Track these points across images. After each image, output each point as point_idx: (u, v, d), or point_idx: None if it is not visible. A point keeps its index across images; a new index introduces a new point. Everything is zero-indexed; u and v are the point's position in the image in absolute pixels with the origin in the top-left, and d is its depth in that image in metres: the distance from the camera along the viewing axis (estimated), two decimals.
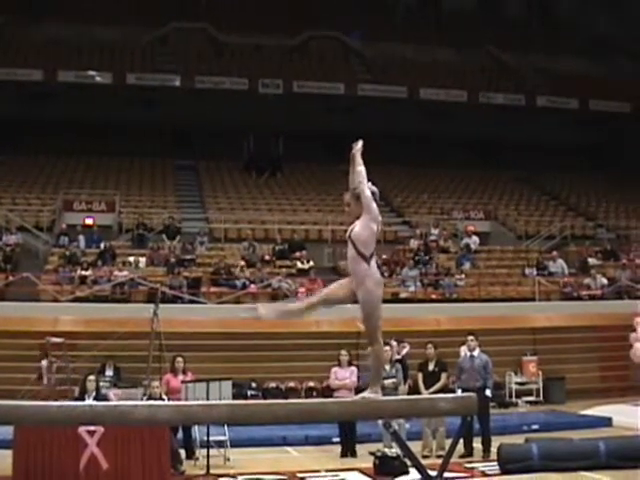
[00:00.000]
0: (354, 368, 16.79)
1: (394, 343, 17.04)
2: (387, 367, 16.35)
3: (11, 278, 25.17)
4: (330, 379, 16.81)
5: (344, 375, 16.51)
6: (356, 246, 7.69)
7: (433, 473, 8.23)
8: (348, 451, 16.11)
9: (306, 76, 38.42)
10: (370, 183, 7.87)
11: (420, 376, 16.55)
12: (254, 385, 21.98)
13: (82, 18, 38.66)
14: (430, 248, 28.69)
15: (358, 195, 7.76)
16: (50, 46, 37.57)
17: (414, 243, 29.39)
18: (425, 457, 15.04)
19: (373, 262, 7.72)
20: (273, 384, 22.37)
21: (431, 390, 15.92)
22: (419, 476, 8.22)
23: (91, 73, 37.11)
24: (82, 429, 13.11)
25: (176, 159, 37.11)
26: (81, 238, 27.79)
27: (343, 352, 16.94)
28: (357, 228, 7.73)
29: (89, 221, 29.58)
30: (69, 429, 12.98)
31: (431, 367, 16.55)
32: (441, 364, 16.65)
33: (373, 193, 7.82)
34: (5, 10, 37.99)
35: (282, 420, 8.02)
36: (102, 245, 27.04)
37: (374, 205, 7.72)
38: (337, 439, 16.46)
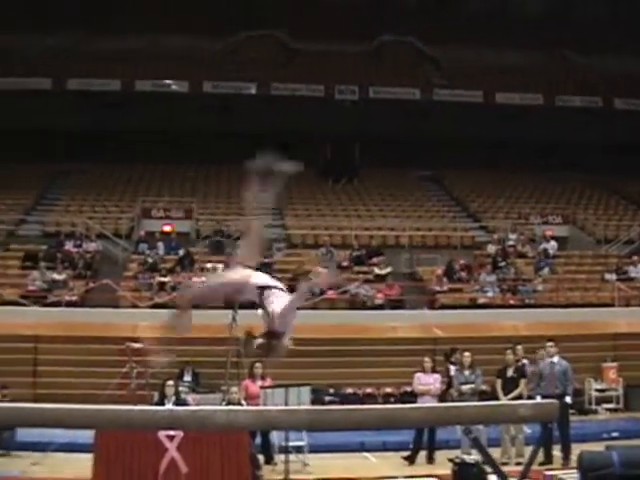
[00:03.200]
0: (438, 375, 16.74)
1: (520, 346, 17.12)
2: (466, 373, 16.32)
3: (91, 285, 25.53)
4: (414, 384, 16.77)
5: (427, 381, 16.47)
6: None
7: None
8: (416, 457, 16.04)
9: (381, 82, 38.38)
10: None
11: (499, 382, 16.43)
12: (332, 391, 21.95)
13: (158, 28, 39.05)
14: (508, 253, 28.48)
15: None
16: (127, 56, 38.05)
17: (492, 248, 29.17)
18: (504, 464, 14.88)
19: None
20: (350, 390, 22.31)
21: (510, 396, 15.80)
22: None
23: (167, 82, 37.54)
24: (162, 434, 13.23)
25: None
26: (160, 245, 28.03)
27: (426, 359, 16.92)
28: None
29: (167, 228, 29.84)
30: (149, 434, 13.11)
31: (510, 373, 16.42)
32: (520, 370, 16.52)
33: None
34: (82, 23, 38.59)
35: (362, 426, 8.03)
36: (180, 252, 27.28)
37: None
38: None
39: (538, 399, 14.73)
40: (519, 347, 17.44)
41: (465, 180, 36.97)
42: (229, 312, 17.83)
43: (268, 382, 16.13)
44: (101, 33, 38.77)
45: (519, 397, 15.64)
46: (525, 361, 17.44)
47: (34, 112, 34.69)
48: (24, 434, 15.74)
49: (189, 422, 7.57)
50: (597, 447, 15.32)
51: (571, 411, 17.25)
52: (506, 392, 16.11)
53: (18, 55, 37.22)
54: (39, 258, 26.44)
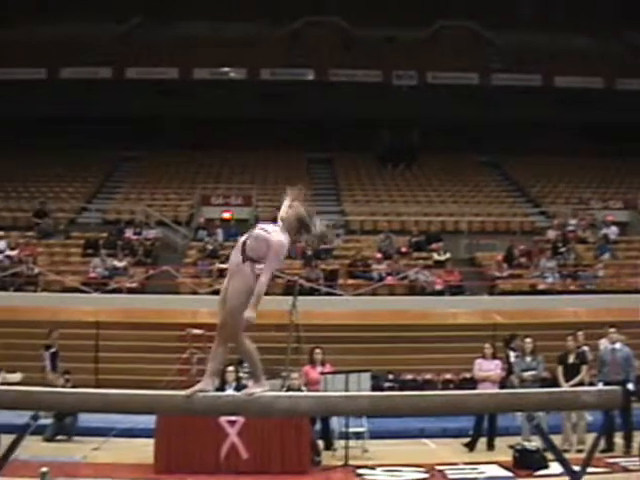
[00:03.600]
0: (498, 361, 16.66)
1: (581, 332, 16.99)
2: (528, 359, 16.23)
3: (151, 271, 25.76)
4: (474, 370, 16.69)
5: (488, 367, 16.38)
6: (251, 255, 7.49)
7: (576, 468, 8.10)
8: (476, 444, 15.98)
9: (440, 66, 38.18)
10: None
11: (560, 369, 16.29)
12: (391, 377, 21.93)
13: (215, 15, 39.21)
14: (568, 239, 28.22)
15: (298, 217, 7.74)
16: (185, 44, 38.24)
17: (552, 234, 28.92)
18: (565, 451, 14.74)
19: (250, 265, 7.46)
20: (410, 376, 22.24)
21: (571, 383, 15.66)
22: (558, 470, 8.09)
23: (225, 70, 37.65)
24: (223, 419, 13.36)
25: (311, 152, 37.32)
26: (219, 232, 28.14)
27: (487, 345, 16.83)
28: (259, 239, 7.57)
29: (227, 215, 29.93)
30: (210, 419, 13.23)
31: (571, 359, 16.28)
32: (582, 356, 16.38)
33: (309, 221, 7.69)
34: (140, 10, 38.87)
35: (424, 412, 8.01)
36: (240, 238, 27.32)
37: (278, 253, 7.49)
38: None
39: (600, 386, 14.61)
40: (580, 333, 17.30)
41: (525, 165, 36.67)
42: (289, 298, 17.92)
43: (328, 368, 16.14)
44: (159, 21, 39.02)
45: (580, 384, 15.50)
46: (586, 347, 17.29)
47: (97, 100, 35.06)
48: (85, 419, 15.92)
49: (252, 408, 7.61)
50: None
51: (633, 398, 17.08)
52: (567, 379, 15.97)
53: (81, 44, 37.57)
54: (100, 245, 26.71)
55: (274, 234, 7.50)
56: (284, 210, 7.76)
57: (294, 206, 7.69)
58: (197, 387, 7.53)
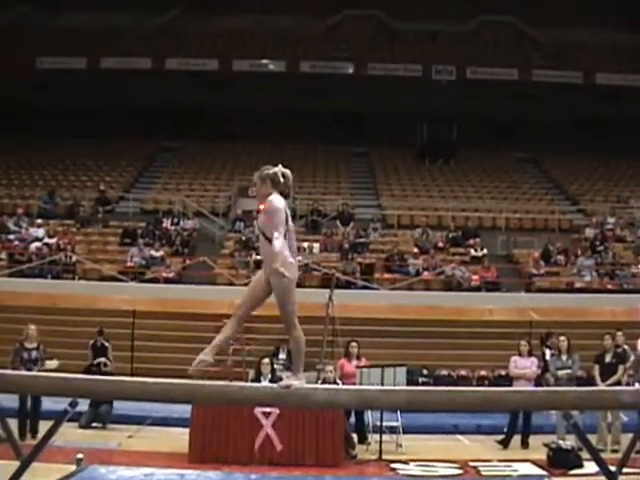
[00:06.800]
0: (534, 358, 16.58)
1: (620, 332, 16.86)
2: (563, 358, 16.13)
3: (188, 262, 25.87)
4: (510, 367, 16.62)
5: (524, 364, 16.30)
6: (264, 233, 7.46)
7: (612, 468, 8.06)
8: (510, 442, 15.91)
9: (480, 62, 38.03)
10: (280, 166, 7.68)
11: (596, 368, 16.18)
12: (425, 372, 21.90)
13: (255, 7, 39.30)
14: (606, 237, 28.07)
15: (264, 177, 7.62)
16: (225, 36, 38.35)
17: (590, 232, 28.77)
18: (600, 451, 14.67)
19: (280, 241, 7.33)
20: (444, 372, 22.21)
21: (608, 382, 15.55)
22: (593, 470, 8.05)
23: (265, 62, 37.70)
24: (258, 410, 13.39)
25: (349, 146, 37.32)
26: (256, 224, 28.14)
27: (523, 342, 16.74)
28: (261, 217, 7.58)
29: (264, 207, 29.89)
30: (245, 410, 13.27)
31: (608, 359, 16.16)
32: (619, 356, 16.25)
33: (284, 175, 7.64)
34: (180, 2, 39.00)
35: (462, 408, 7.99)
36: None
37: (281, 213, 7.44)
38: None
39: (637, 386, 14.51)
40: (619, 333, 17.15)
41: (564, 162, 36.50)
42: (325, 291, 17.94)
43: (363, 362, 16.15)
44: (199, 12, 39.13)
45: (617, 384, 15.40)
46: (626, 347, 17.15)
47: (137, 90, 35.24)
48: (120, 407, 15.98)
49: (290, 399, 7.61)
50: None
51: None
52: (604, 378, 15.86)
53: (122, 34, 37.78)
54: (137, 235, 26.86)
55: (267, 200, 7.49)
56: (258, 185, 7.71)
57: (261, 175, 7.65)
58: (197, 360, 7.49)
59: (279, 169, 7.66)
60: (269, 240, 7.36)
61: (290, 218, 7.55)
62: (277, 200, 7.48)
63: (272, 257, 7.28)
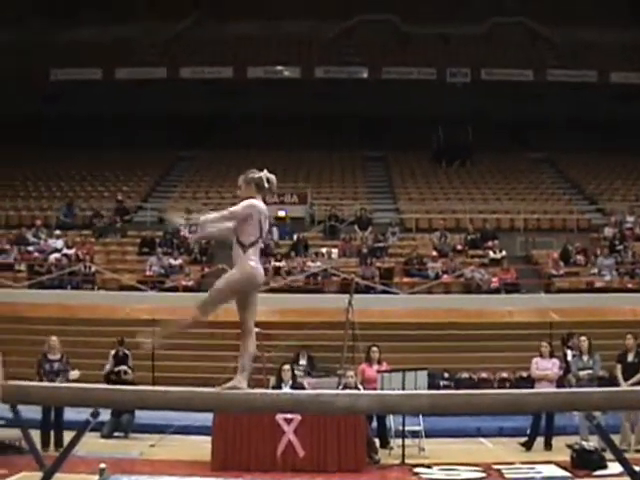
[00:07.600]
0: (556, 360, 16.51)
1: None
2: (585, 358, 16.05)
3: (207, 270, 25.85)
4: (531, 369, 16.55)
5: (546, 366, 16.22)
6: (238, 237, 7.74)
7: (636, 468, 8.01)
8: (533, 444, 15.84)
9: (494, 64, 38.00)
10: (266, 171, 7.84)
11: (619, 367, 16.08)
12: (446, 375, 21.85)
13: (268, 14, 39.33)
14: (625, 236, 27.94)
15: (249, 181, 7.78)
16: (239, 43, 38.40)
17: (609, 231, 28.64)
18: (623, 451, 14.60)
19: (251, 251, 7.85)
20: (465, 374, 22.13)
21: (630, 382, 15.45)
22: (617, 470, 7.99)
23: (279, 68, 37.76)
24: (280, 417, 13.37)
25: (365, 150, 37.33)
26: (274, 230, 28.17)
27: (544, 343, 16.68)
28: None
29: (282, 213, 29.95)
30: (267, 417, 13.26)
31: (630, 358, 16.06)
32: None
33: (268, 180, 7.80)
34: (194, 10, 39.09)
35: (484, 410, 7.95)
36: (295, 237, 27.43)
37: (247, 211, 7.65)
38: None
39: None
40: None
41: (581, 162, 36.39)
42: (345, 296, 17.91)
43: (384, 366, 16.11)
44: (214, 20, 39.19)
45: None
46: None
47: (152, 100, 35.33)
48: (142, 416, 15.98)
49: (311, 406, 7.61)
50: None
51: None
52: (626, 377, 15.75)
53: (135, 44, 37.90)
54: (156, 244, 26.90)
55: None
56: (242, 189, 7.86)
57: (247, 178, 7.80)
58: (230, 384, 7.61)
59: (264, 174, 7.83)
60: (240, 244, 7.75)
61: (266, 226, 7.94)
62: (251, 203, 7.70)
63: (237, 260, 7.82)
